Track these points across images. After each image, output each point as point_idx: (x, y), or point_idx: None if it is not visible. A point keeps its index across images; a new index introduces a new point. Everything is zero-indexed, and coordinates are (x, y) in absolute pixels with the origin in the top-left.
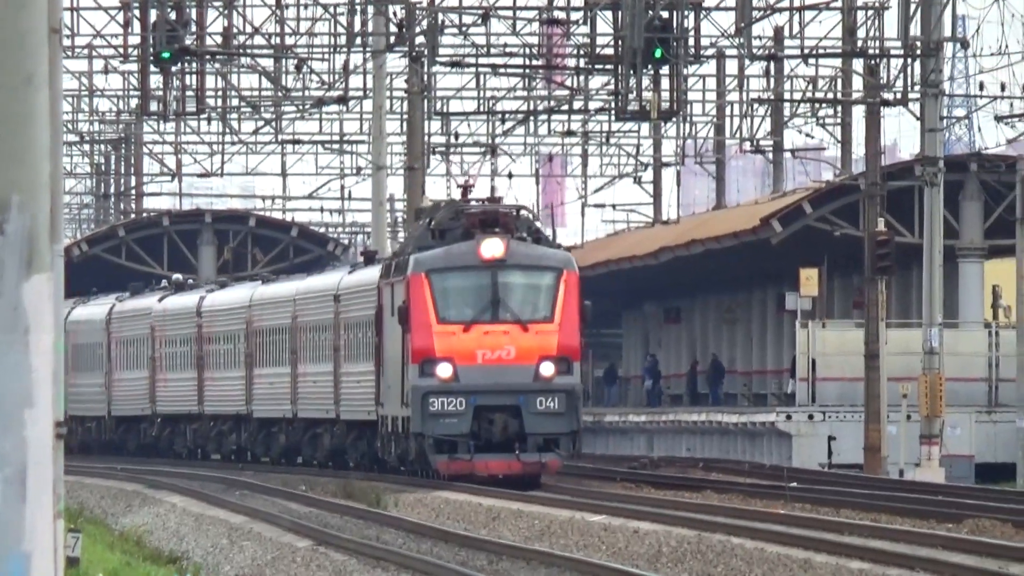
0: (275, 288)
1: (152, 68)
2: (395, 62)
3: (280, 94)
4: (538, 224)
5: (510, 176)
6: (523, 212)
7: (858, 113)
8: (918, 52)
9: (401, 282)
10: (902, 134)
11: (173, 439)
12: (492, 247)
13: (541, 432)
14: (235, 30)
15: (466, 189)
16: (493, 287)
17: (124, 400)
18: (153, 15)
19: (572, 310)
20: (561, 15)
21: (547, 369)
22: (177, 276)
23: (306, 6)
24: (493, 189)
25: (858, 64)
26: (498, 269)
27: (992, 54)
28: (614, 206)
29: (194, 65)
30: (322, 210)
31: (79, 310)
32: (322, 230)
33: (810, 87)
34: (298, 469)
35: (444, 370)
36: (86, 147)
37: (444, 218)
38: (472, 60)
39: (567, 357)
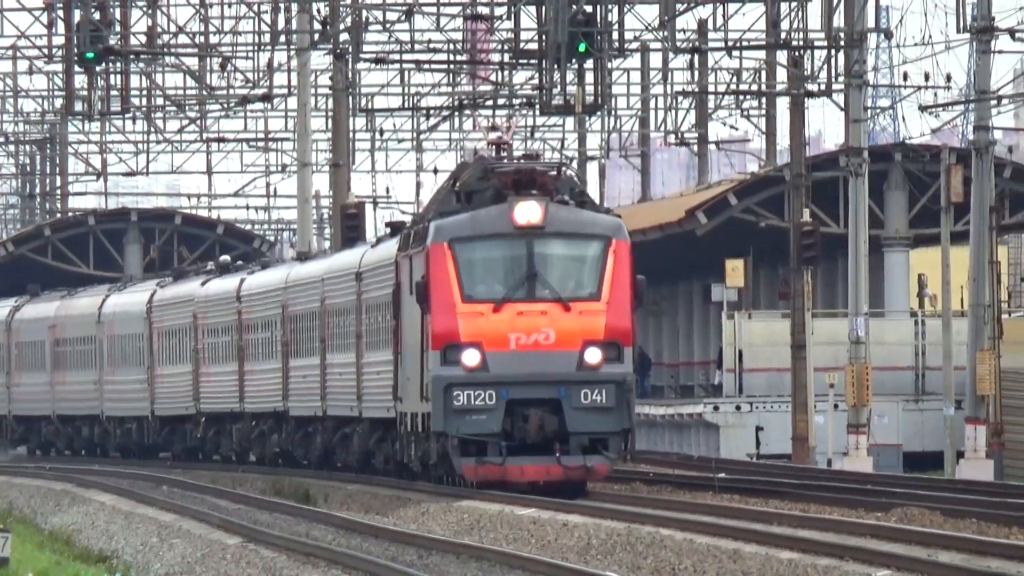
0: (309, 267)
1: (76, 68)
2: (319, 59)
3: (205, 93)
4: (582, 185)
5: (435, 171)
6: (564, 170)
7: (782, 104)
8: (842, 43)
9: (420, 254)
10: (826, 125)
11: (219, 441)
12: (528, 211)
13: (586, 431)
14: (159, 29)
15: (499, 146)
16: (529, 258)
17: (168, 398)
18: (77, 15)
19: (622, 286)
20: (485, 10)
21: (593, 356)
22: (225, 257)
23: (230, 5)
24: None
25: (782, 56)
26: (535, 237)
27: (915, 44)
28: None
29: (118, 65)
30: (248, 207)
31: (114, 299)
32: (248, 227)
33: (734, 79)
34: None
35: (470, 357)
36: (11, 147)
37: (471, 178)
38: (396, 56)
39: (617, 341)
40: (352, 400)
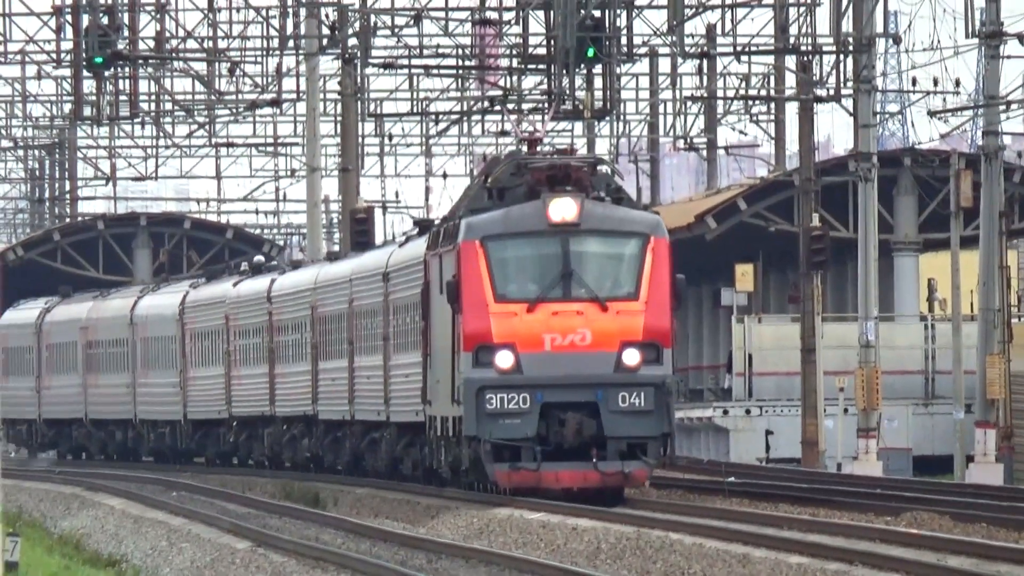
0: (338, 267)
1: (85, 73)
2: (328, 64)
3: (213, 97)
4: (619, 180)
5: (444, 176)
6: (600, 167)
7: (791, 110)
8: (850, 48)
9: (451, 252)
10: (835, 130)
11: (251, 445)
12: (563, 208)
13: (624, 435)
14: (167, 34)
15: (532, 143)
16: (564, 257)
17: (200, 401)
18: (85, 20)
19: (661, 285)
20: (493, 15)
21: (631, 357)
22: (259, 257)
23: (238, 9)
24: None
25: (791, 61)
26: (570, 235)
27: (924, 49)
28: None
29: (127, 70)
30: (257, 212)
31: (147, 300)
32: (257, 232)
33: (743, 84)
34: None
35: (504, 359)
36: (20, 152)
37: (503, 173)
38: (405, 61)
39: (656, 343)
40: (379, 404)
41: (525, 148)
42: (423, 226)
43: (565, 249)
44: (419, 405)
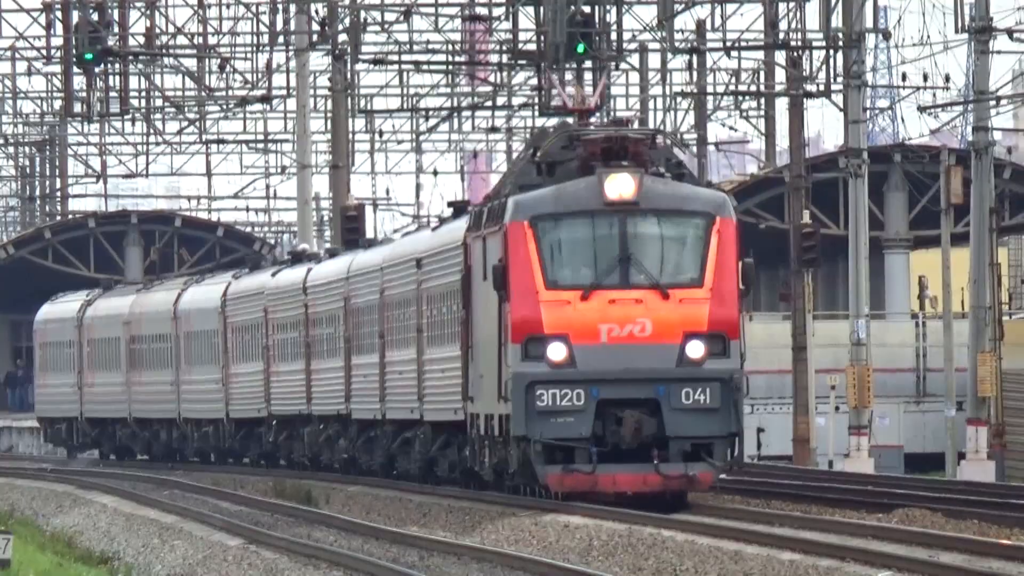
0: (370, 255)
1: (75, 69)
2: (318, 60)
3: (204, 94)
4: (679, 154)
5: (435, 173)
6: (660, 139)
7: (781, 105)
8: (840, 43)
9: (497, 234)
10: (826, 126)
11: (291, 446)
12: (620, 185)
13: (687, 435)
14: (158, 30)
15: (583, 113)
16: (621, 239)
17: (241, 399)
18: (75, 16)
19: (728, 270)
20: (483, 11)
21: (695, 350)
22: (304, 245)
23: (228, 5)
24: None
25: (780, 56)
26: (628, 215)
27: (914, 44)
28: None
29: (117, 66)
30: (248, 209)
31: (191, 292)
32: (248, 229)
33: (733, 80)
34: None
35: (556, 351)
36: (10, 149)
37: (554, 147)
38: (395, 57)
39: (722, 334)
40: (413, 401)
41: (575, 120)
42: (457, 207)
43: (622, 230)
44: (458, 402)
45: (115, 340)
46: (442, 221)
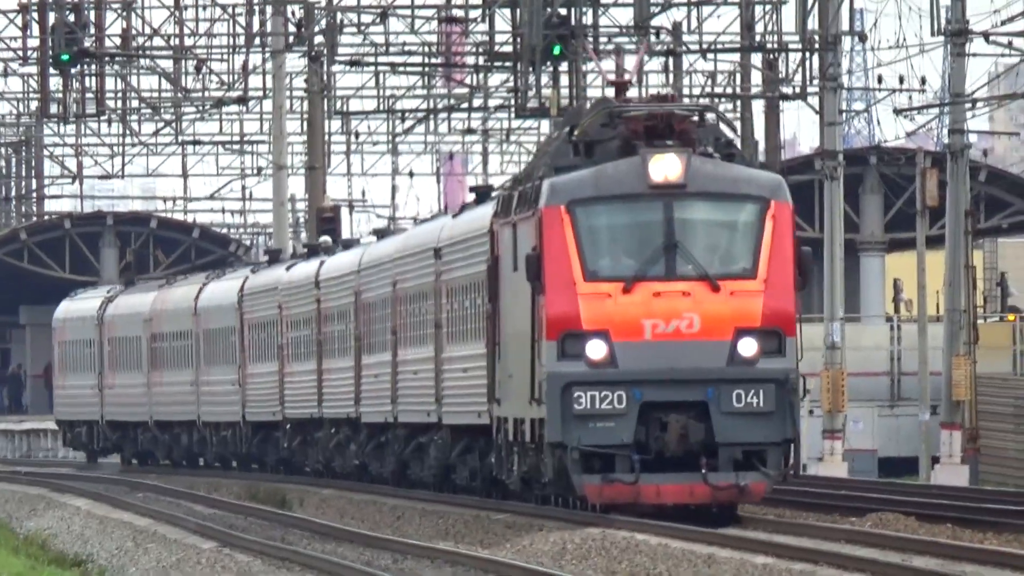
0: (382, 246)
1: (51, 70)
2: (294, 62)
3: (180, 95)
4: (729, 132)
5: (411, 174)
6: (709, 116)
7: (757, 107)
8: (816, 46)
9: (529, 220)
10: (801, 127)
11: (306, 451)
12: (665, 166)
13: (739, 441)
14: (134, 31)
15: (619, 87)
16: (667, 225)
17: (257, 402)
18: (51, 18)
19: (784, 259)
20: (460, 13)
21: (748, 347)
22: (325, 238)
23: (204, 7)
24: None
25: (757, 59)
26: (674, 199)
27: (890, 47)
28: None
29: (93, 67)
30: (224, 211)
31: (212, 287)
32: (224, 231)
33: (709, 82)
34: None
35: (595, 349)
36: None
37: (592, 124)
38: (371, 59)
39: (777, 329)
40: (429, 404)
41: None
42: (480, 193)
43: (668, 216)
44: (482, 405)
45: (136, 339)
46: (463, 207)
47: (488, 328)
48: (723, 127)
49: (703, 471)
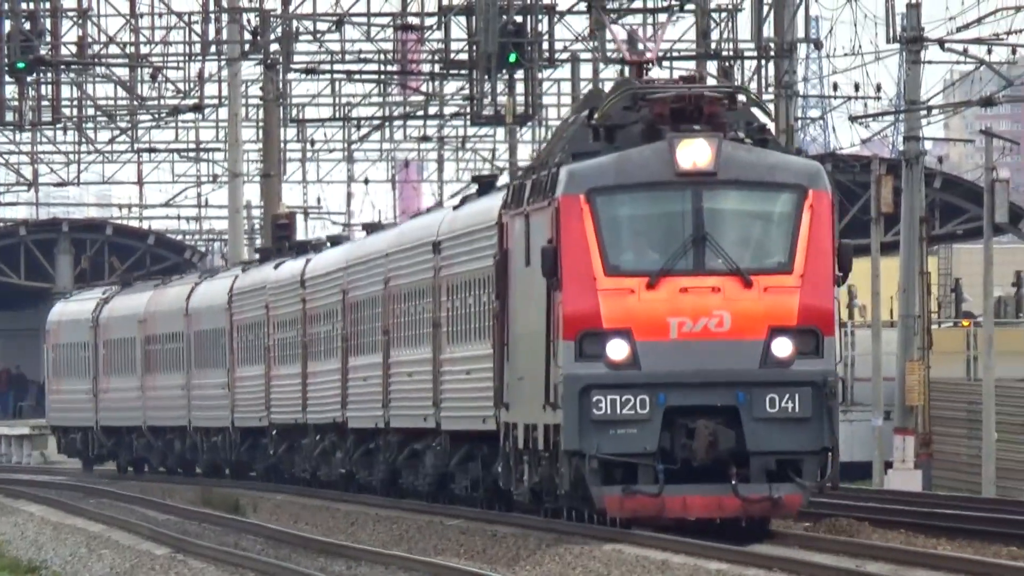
0: (372, 241)
1: (7, 78)
2: (250, 70)
3: (136, 103)
4: (762, 116)
5: (366, 182)
6: (740, 97)
7: None
8: (772, 53)
9: (545, 210)
10: None
11: (292, 458)
12: (694, 152)
13: (772, 450)
14: (90, 39)
15: (641, 66)
16: (696, 216)
17: (246, 406)
18: (7, 25)
19: (822, 253)
20: (415, 21)
21: (783, 348)
22: (332, 234)
23: (160, 15)
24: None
25: (712, 66)
26: (704, 187)
27: (846, 54)
28: None
29: (49, 75)
30: (179, 218)
31: (204, 287)
32: (179, 238)
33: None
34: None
35: (617, 350)
36: None
37: (614, 107)
38: (327, 67)
39: (815, 329)
40: (426, 408)
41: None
42: (483, 183)
43: (697, 206)
44: (488, 410)
45: (131, 341)
46: (464, 199)
47: (495, 327)
48: (755, 111)
49: (733, 482)
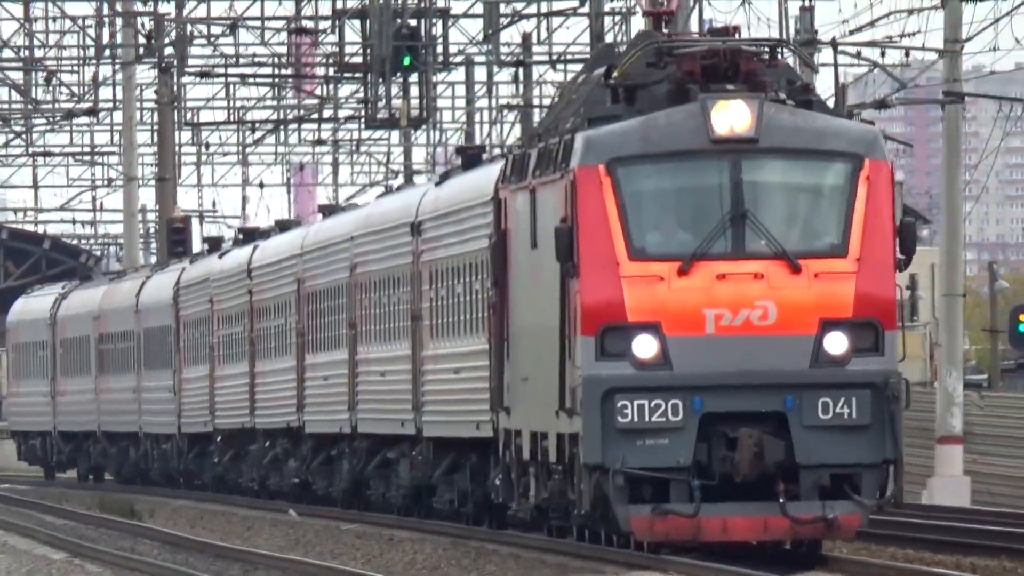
0: (332, 224)
1: None
2: (144, 73)
3: (30, 107)
4: (805, 77)
5: (261, 185)
6: (782, 53)
7: None
8: None
9: (556, 183)
10: None
11: (240, 468)
12: (732, 116)
13: (826, 462)
14: None
15: (659, 17)
16: (734, 190)
17: (192, 410)
18: None
19: (881, 232)
20: (309, 24)
21: (836, 344)
22: (282, 219)
23: (54, 19)
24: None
25: None
26: (743, 157)
27: None
28: None
29: None
30: (75, 222)
31: (154, 281)
32: (75, 242)
33: (559, 92)
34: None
35: (644, 347)
36: None
37: (636, 64)
38: (221, 70)
39: (874, 321)
40: (404, 411)
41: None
42: (469, 155)
43: (736, 178)
44: (484, 414)
45: (85, 339)
46: (446, 173)
47: (493, 320)
48: (798, 67)
49: (781, 500)
